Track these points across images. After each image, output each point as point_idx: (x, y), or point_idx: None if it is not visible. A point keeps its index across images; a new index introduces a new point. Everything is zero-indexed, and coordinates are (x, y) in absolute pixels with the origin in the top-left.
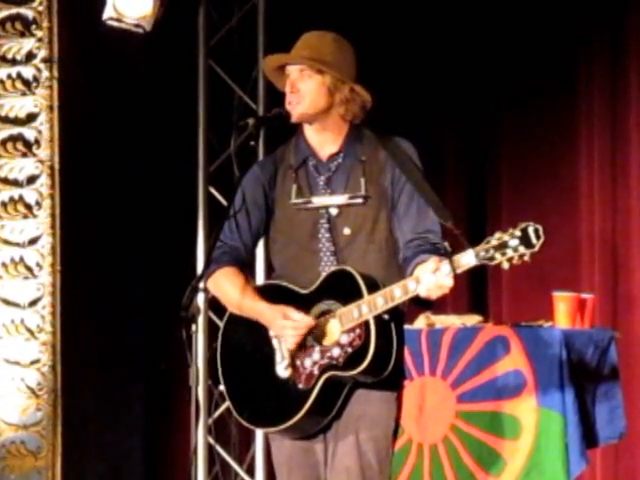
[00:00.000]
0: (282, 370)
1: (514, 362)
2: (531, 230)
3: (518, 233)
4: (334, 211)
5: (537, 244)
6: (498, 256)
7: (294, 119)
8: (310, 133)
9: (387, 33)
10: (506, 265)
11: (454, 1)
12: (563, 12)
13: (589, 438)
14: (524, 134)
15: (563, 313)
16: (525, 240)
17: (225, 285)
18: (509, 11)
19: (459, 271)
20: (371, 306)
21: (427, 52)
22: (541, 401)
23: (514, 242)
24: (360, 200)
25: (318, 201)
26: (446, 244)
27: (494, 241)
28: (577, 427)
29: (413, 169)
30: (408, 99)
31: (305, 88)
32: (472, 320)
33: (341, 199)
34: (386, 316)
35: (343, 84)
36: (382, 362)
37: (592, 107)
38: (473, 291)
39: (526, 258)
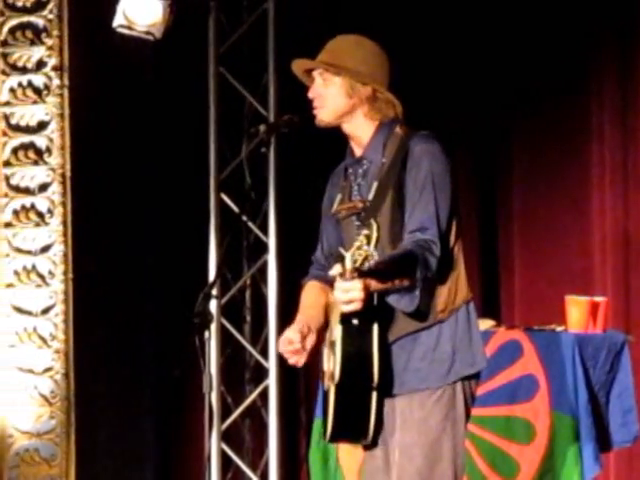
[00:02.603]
0: (326, 380)
1: (527, 366)
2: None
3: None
4: (362, 216)
5: (373, 237)
6: (358, 257)
7: (318, 125)
8: (349, 138)
9: (398, 34)
10: (366, 265)
11: (468, 3)
12: (576, 16)
13: (602, 442)
14: (535, 134)
15: (576, 317)
16: (368, 237)
17: (302, 299)
18: (523, 14)
19: (348, 275)
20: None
21: (439, 55)
22: (554, 405)
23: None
24: (369, 204)
25: (350, 207)
26: (340, 250)
27: (358, 242)
28: (590, 431)
29: (397, 172)
30: (417, 102)
31: (325, 92)
32: (485, 324)
33: (361, 204)
34: (355, 321)
35: (364, 85)
36: (361, 368)
37: (603, 107)
38: (485, 295)
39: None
